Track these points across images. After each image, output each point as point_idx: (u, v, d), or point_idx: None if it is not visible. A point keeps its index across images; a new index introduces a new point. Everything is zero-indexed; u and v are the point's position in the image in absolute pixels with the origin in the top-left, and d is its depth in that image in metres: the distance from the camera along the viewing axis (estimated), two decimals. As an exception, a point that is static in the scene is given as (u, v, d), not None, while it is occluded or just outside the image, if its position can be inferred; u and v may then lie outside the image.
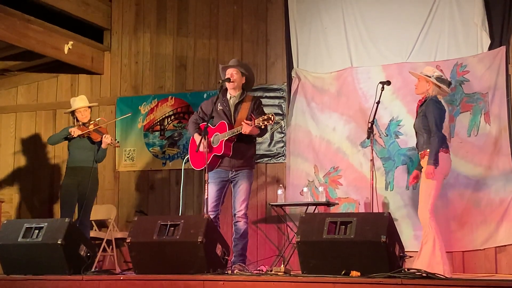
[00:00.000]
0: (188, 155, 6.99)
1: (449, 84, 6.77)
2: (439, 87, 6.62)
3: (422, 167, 6.52)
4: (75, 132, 7.66)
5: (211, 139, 6.74)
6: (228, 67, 6.92)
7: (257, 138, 7.11)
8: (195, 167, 6.88)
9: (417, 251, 6.81)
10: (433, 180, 6.34)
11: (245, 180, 6.75)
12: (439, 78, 6.64)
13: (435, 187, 6.38)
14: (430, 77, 6.58)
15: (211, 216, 6.50)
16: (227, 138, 6.64)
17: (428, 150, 6.42)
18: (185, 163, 7.17)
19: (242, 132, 6.54)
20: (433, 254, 6.28)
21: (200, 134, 6.66)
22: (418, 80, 6.68)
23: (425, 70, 6.68)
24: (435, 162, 6.33)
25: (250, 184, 6.83)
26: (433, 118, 6.42)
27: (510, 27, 7.65)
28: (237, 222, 6.73)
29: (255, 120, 6.49)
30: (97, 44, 9.53)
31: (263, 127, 6.55)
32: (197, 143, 6.63)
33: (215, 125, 6.79)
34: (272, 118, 6.44)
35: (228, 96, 6.88)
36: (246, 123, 6.52)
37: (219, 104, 6.84)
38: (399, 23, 8.12)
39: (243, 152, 6.75)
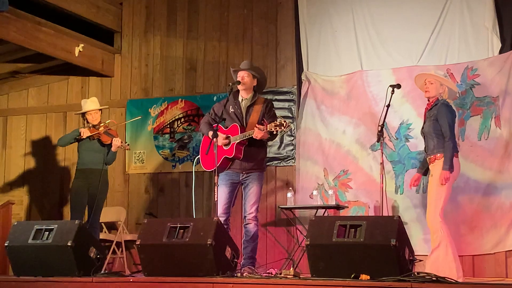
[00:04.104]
0: (199, 156, 6.99)
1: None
2: (453, 92, 6.60)
3: (430, 171, 6.50)
4: (85, 133, 7.68)
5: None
6: (239, 70, 6.91)
7: (269, 142, 7.08)
8: (206, 168, 6.89)
9: (427, 255, 6.80)
10: (445, 185, 6.31)
11: (256, 182, 6.74)
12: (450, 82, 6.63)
13: (446, 191, 6.33)
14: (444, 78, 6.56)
15: (222, 219, 6.52)
16: (238, 141, 6.64)
17: (438, 154, 6.38)
18: (195, 164, 7.16)
19: (254, 137, 6.53)
20: (445, 258, 6.24)
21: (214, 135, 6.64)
22: (429, 83, 6.61)
23: (436, 74, 6.63)
24: (451, 167, 6.27)
25: (261, 187, 6.81)
26: (446, 122, 6.37)
27: (521, 31, 7.65)
28: (247, 224, 6.72)
29: (267, 126, 6.46)
30: (107, 47, 9.56)
31: (275, 132, 6.52)
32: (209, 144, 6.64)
33: (227, 127, 6.79)
34: (285, 125, 6.39)
35: (240, 98, 6.87)
36: (258, 127, 6.51)
37: (230, 106, 6.84)
38: (409, 26, 8.10)
39: (253, 155, 6.73)
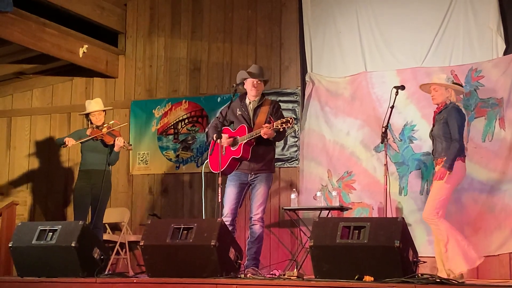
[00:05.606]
0: (208, 161, 6.99)
1: (461, 86, 6.75)
2: (459, 91, 6.59)
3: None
4: (69, 141, 7.68)
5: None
6: (252, 77, 6.85)
7: (276, 142, 7.08)
8: (213, 170, 6.89)
9: (431, 257, 6.79)
10: (446, 184, 6.28)
11: (263, 183, 6.74)
12: (454, 83, 6.61)
13: (445, 191, 6.31)
14: (448, 83, 6.52)
15: (229, 219, 6.55)
16: (246, 141, 6.65)
17: (445, 157, 6.35)
18: (201, 166, 7.15)
19: (261, 135, 6.54)
20: (459, 245, 6.21)
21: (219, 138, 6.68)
22: (434, 90, 6.57)
23: (438, 79, 6.59)
24: (450, 167, 6.25)
25: (269, 188, 6.82)
26: (456, 125, 6.33)
27: (525, 32, 7.64)
28: (253, 225, 6.71)
29: (274, 123, 6.49)
30: (111, 48, 9.57)
31: (281, 129, 6.53)
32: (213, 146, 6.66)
33: (235, 129, 6.81)
34: (291, 121, 6.42)
35: (247, 101, 6.89)
36: (265, 126, 6.53)
37: (238, 109, 6.86)
38: (413, 28, 8.09)
39: (262, 155, 6.74)
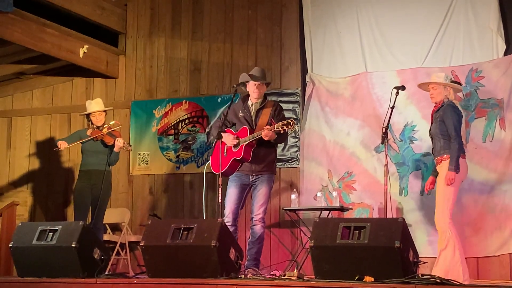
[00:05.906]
0: (210, 162, 7.00)
1: (460, 85, 6.75)
2: (458, 90, 6.58)
3: (438, 173, 6.47)
4: (62, 145, 7.68)
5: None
6: (253, 80, 6.86)
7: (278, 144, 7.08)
8: (214, 170, 6.89)
9: (431, 257, 6.79)
10: (451, 187, 6.28)
11: (264, 184, 6.75)
12: (453, 82, 6.60)
13: (453, 192, 6.29)
14: (446, 81, 6.51)
15: (231, 220, 6.57)
16: (247, 143, 6.65)
17: (445, 155, 6.35)
18: (201, 166, 7.15)
19: (263, 137, 6.55)
20: (453, 259, 6.20)
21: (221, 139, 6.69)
22: (432, 89, 6.58)
23: (437, 78, 6.59)
24: (457, 168, 6.24)
25: (270, 189, 6.82)
26: (452, 123, 6.34)
27: (526, 33, 7.63)
28: (254, 225, 6.73)
29: (275, 125, 6.50)
30: (112, 48, 9.57)
31: (282, 132, 6.54)
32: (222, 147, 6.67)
33: (237, 131, 6.81)
34: (292, 123, 6.43)
35: (250, 103, 6.90)
36: (267, 128, 6.54)
37: (240, 111, 6.88)
38: (414, 28, 8.09)
39: (263, 157, 6.75)
